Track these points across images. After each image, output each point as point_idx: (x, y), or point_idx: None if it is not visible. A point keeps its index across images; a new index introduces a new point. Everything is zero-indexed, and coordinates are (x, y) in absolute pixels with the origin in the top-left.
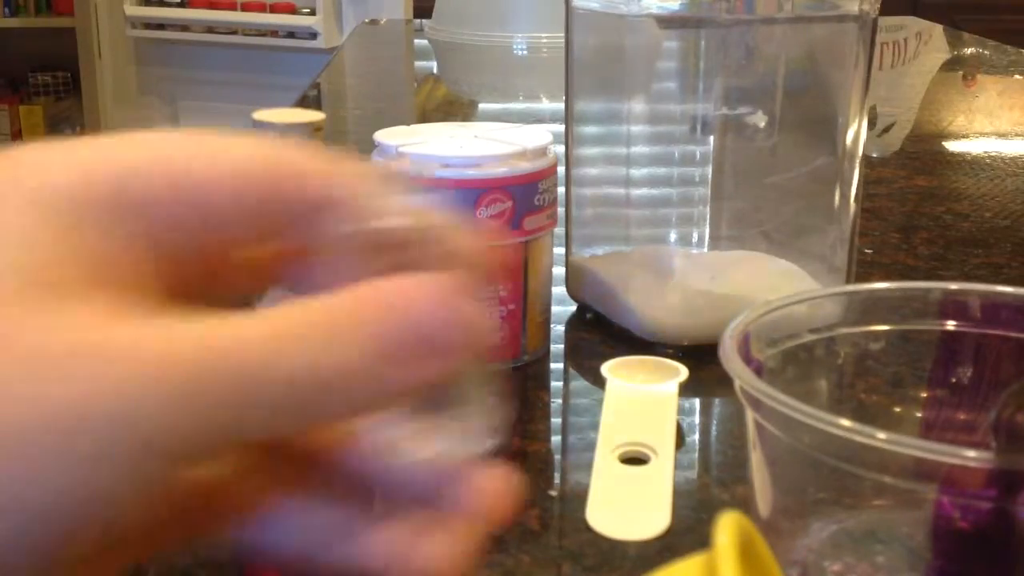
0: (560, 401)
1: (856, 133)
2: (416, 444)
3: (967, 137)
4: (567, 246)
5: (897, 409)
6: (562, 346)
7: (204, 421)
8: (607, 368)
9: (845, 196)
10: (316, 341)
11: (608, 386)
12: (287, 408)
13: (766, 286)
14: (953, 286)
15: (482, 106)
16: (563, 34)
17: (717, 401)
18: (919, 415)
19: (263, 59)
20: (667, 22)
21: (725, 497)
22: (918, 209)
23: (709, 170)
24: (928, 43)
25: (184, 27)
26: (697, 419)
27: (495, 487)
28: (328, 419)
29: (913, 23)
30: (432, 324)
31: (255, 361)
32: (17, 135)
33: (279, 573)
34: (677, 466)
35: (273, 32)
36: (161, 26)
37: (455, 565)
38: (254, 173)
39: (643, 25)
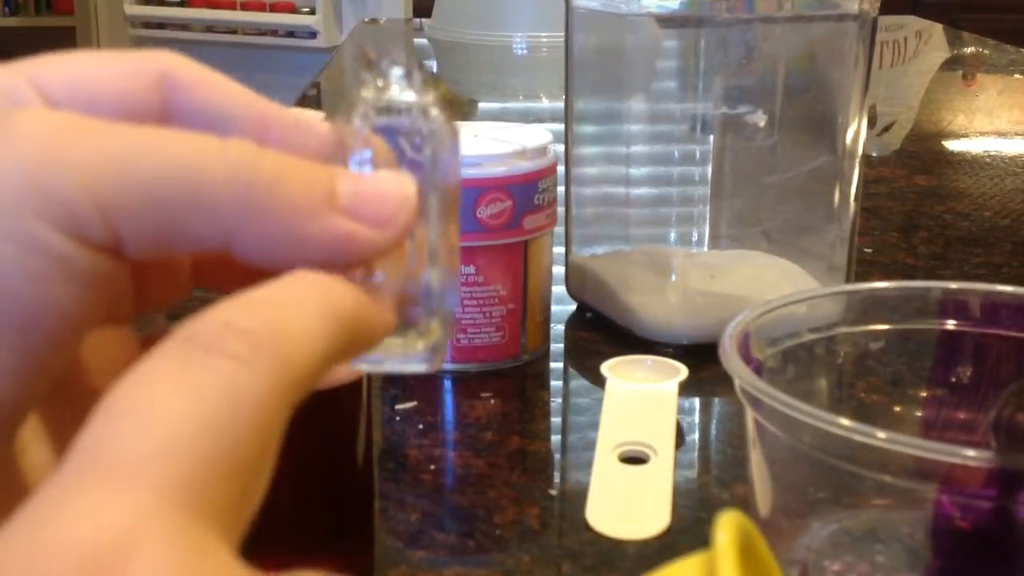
0: (560, 400)
1: (856, 132)
2: None
3: (967, 136)
4: (567, 246)
5: (897, 408)
6: (562, 345)
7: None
8: (607, 367)
9: (845, 195)
10: None
11: (608, 385)
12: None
13: (766, 285)
14: (953, 285)
15: (482, 105)
16: (563, 33)
17: (717, 400)
18: (919, 414)
19: (263, 58)
20: (667, 21)
21: (725, 496)
22: (918, 208)
23: (709, 169)
24: (928, 42)
25: (184, 26)
26: (697, 418)
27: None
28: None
29: (913, 22)
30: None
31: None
32: None
33: (276, 570)
34: (677, 465)
35: (273, 31)
36: (161, 25)
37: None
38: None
39: (643, 24)
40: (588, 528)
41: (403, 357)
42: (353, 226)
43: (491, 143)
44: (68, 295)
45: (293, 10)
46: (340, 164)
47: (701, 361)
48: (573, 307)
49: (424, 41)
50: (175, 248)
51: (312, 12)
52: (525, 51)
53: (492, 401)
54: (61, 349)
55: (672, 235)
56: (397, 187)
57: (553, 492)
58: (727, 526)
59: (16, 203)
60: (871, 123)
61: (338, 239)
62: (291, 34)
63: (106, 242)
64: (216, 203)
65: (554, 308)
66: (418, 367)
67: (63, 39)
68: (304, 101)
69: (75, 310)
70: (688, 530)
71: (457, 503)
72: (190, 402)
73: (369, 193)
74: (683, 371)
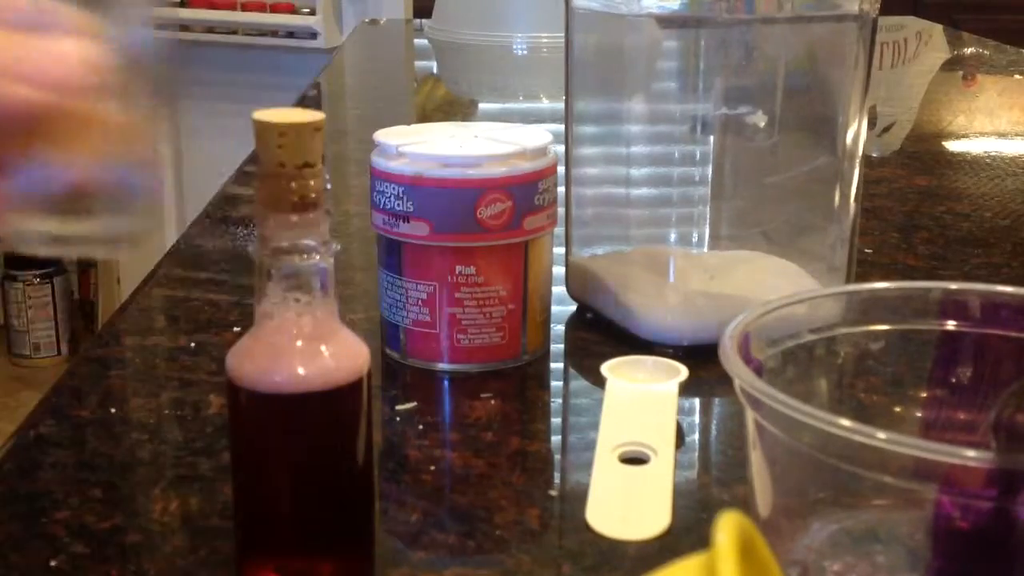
0: (560, 401)
1: (856, 133)
2: None
3: (967, 137)
4: (567, 246)
5: (897, 409)
6: (562, 346)
7: None
8: (607, 368)
9: (845, 196)
10: None
11: (608, 386)
12: None
13: (766, 286)
14: (953, 286)
15: (482, 106)
16: (563, 34)
17: (717, 401)
18: (919, 415)
19: (263, 59)
20: (667, 22)
21: (725, 497)
22: (918, 209)
23: (709, 170)
24: (928, 43)
25: (184, 26)
26: (697, 419)
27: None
28: None
29: (913, 23)
30: None
31: None
32: None
33: (277, 571)
34: (677, 466)
35: (273, 32)
36: (161, 26)
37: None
38: None
39: (643, 25)
40: (588, 528)
41: (80, 238)
42: (13, 87)
43: (491, 143)
44: None
45: (293, 11)
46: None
47: (701, 362)
48: (573, 307)
49: (424, 41)
50: None
51: (312, 13)
52: (525, 51)
53: (492, 401)
54: None
55: (672, 236)
56: (75, 50)
57: (553, 492)
58: (727, 527)
59: None
60: (871, 124)
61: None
62: (291, 35)
63: None
64: None
65: (554, 308)
66: (102, 250)
67: None
68: (304, 102)
69: None
70: (688, 531)
71: (457, 503)
72: None
73: (41, 54)
74: (683, 371)
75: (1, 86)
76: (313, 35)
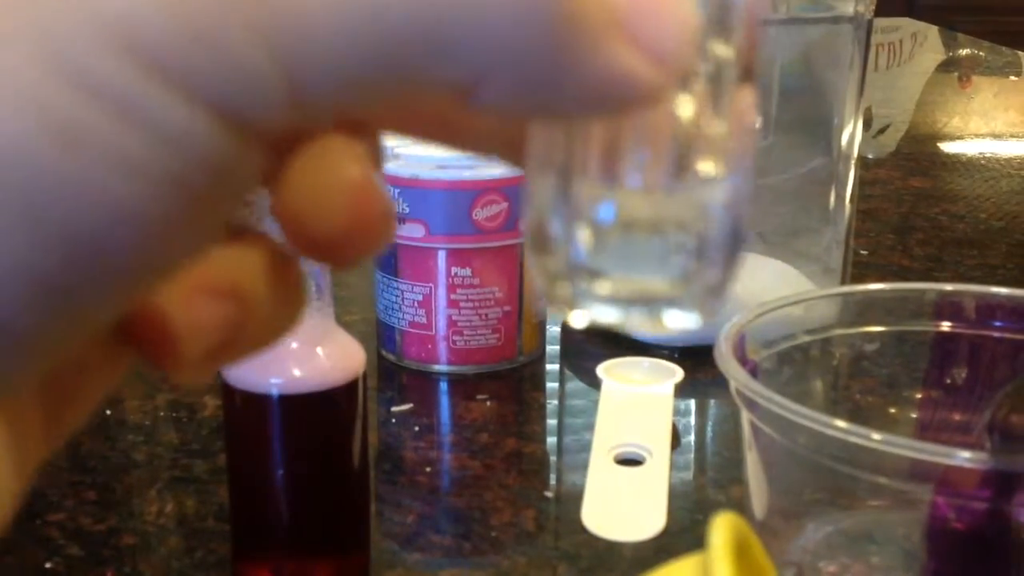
0: (556, 402)
1: (851, 134)
2: None
3: (962, 138)
4: None
5: (892, 410)
6: (558, 347)
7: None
8: (603, 369)
9: (840, 197)
10: None
11: (604, 387)
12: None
13: (761, 288)
14: (948, 287)
15: None
16: None
17: (712, 402)
18: (914, 416)
19: None
20: None
21: (720, 498)
22: (913, 210)
23: None
24: (923, 44)
25: None
26: (693, 420)
27: None
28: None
29: (908, 24)
30: None
31: None
32: None
33: (272, 573)
34: (672, 467)
35: None
36: None
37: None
38: None
39: None
40: (584, 530)
41: (644, 305)
42: (632, 60)
43: None
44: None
45: None
46: None
47: (697, 363)
48: None
49: None
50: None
51: None
52: None
53: (488, 403)
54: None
55: None
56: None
57: (549, 494)
58: (722, 528)
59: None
60: (867, 125)
61: (612, 81)
62: None
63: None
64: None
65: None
66: (676, 321)
67: None
68: None
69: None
70: (684, 532)
71: (453, 505)
72: None
73: (644, 6)
74: (679, 373)
75: (620, 59)
76: None
